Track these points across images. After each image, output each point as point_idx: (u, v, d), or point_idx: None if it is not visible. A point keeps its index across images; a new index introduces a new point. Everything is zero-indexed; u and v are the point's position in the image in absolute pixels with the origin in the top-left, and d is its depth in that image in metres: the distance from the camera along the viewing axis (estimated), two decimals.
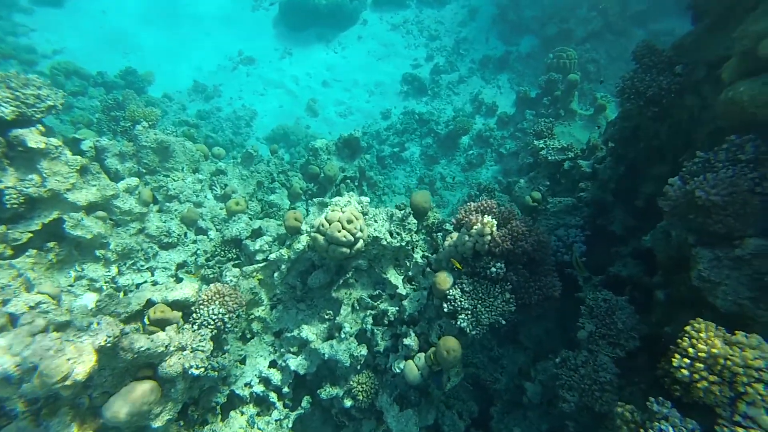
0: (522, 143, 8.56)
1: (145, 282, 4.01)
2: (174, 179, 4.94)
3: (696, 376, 2.08)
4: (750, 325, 3.04)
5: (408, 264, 4.63)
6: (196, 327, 3.13)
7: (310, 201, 6.46)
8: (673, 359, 2.17)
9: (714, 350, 2.07)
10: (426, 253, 4.66)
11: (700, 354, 2.10)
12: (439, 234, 4.77)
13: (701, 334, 2.17)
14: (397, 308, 4.39)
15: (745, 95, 2.98)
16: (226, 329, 3.35)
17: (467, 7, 12.95)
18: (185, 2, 13.03)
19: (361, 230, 4.12)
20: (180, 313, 3.14)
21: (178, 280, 4.39)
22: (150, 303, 3.02)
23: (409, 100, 11.20)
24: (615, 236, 5.30)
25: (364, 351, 4.29)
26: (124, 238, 4.09)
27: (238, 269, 4.17)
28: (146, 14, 12.52)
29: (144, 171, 4.83)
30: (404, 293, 4.42)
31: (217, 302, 3.46)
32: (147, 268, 4.19)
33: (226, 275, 4.06)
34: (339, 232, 3.94)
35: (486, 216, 3.76)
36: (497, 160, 8.98)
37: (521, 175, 7.26)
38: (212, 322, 3.24)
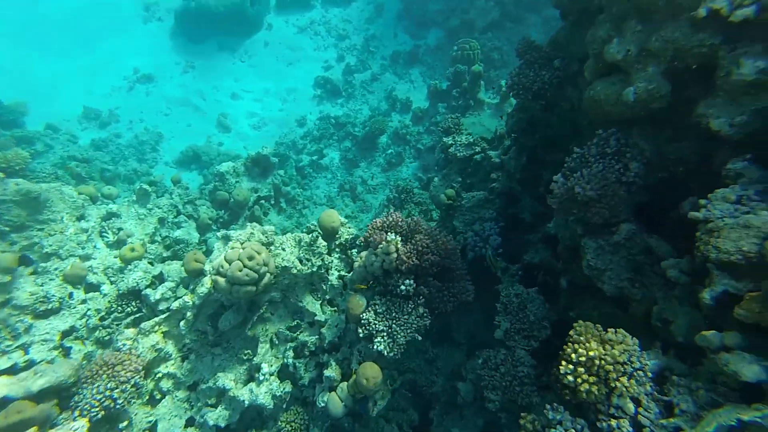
0: (437, 137, 8.67)
1: (15, 365, 3.48)
2: (50, 233, 4.36)
3: (579, 380, 2.14)
4: (630, 303, 3.26)
5: (324, 287, 4.47)
6: (75, 415, 2.74)
7: (222, 230, 6.06)
8: (560, 367, 2.22)
9: (591, 352, 2.14)
10: (342, 272, 4.53)
11: (580, 358, 2.16)
12: (353, 251, 4.65)
13: (581, 338, 2.24)
14: (317, 336, 4.23)
15: (601, 94, 3.13)
16: (117, 406, 2.99)
17: (373, 3, 12.86)
18: (58, 15, 11.65)
19: (266, 264, 3.88)
20: (51, 404, 2.73)
21: (65, 352, 3.89)
22: (5, 401, 2.59)
23: (324, 103, 10.94)
24: (526, 223, 5.51)
25: (288, 387, 4.09)
26: None
27: (132, 329, 3.77)
28: (7, 31, 11.01)
29: (7, 229, 4.20)
30: (323, 319, 4.26)
31: (104, 376, 3.08)
32: (17, 347, 3.65)
33: (117, 340, 3.64)
34: (240, 271, 3.68)
35: (390, 234, 3.69)
36: (416, 156, 9.04)
37: (438, 170, 7.35)
38: (97, 404, 2.86)
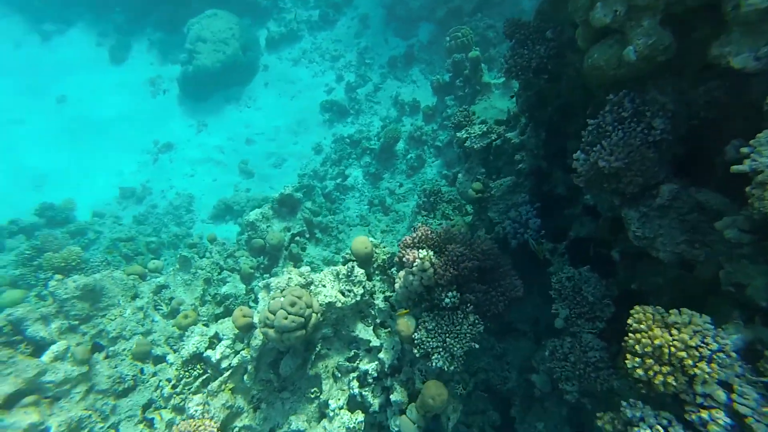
0: (452, 132, 8.53)
1: None
2: (111, 318, 4.66)
3: (650, 372, 1.98)
4: (694, 266, 3.00)
5: (373, 312, 4.47)
6: None
7: (265, 275, 6.23)
8: (626, 362, 2.07)
9: (656, 341, 1.97)
10: (388, 293, 4.51)
11: (646, 349, 2.00)
12: (393, 269, 4.63)
13: (642, 326, 2.07)
14: (376, 362, 4.22)
15: (600, 60, 2.94)
16: None
17: (357, 17, 12.94)
18: (78, 116, 12.57)
19: (309, 306, 3.93)
20: None
21: (149, 424, 4.12)
22: None
23: (335, 125, 11.08)
24: (563, 198, 5.26)
25: (360, 417, 4.10)
26: (68, 411, 3.80)
27: (200, 395, 3.93)
28: (41, 140, 12.02)
29: (77, 322, 4.54)
30: (378, 344, 4.25)
31: None
32: (108, 428, 3.91)
33: (189, 408, 3.81)
34: (285, 319, 3.75)
35: (421, 250, 3.63)
36: (436, 154, 8.93)
37: (461, 163, 7.21)
38: None
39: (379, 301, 4.39)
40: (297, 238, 6.61)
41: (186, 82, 12.24)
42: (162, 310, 4.99)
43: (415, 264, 3.58)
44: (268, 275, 6.24)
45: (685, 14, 2.60)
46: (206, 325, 4.85)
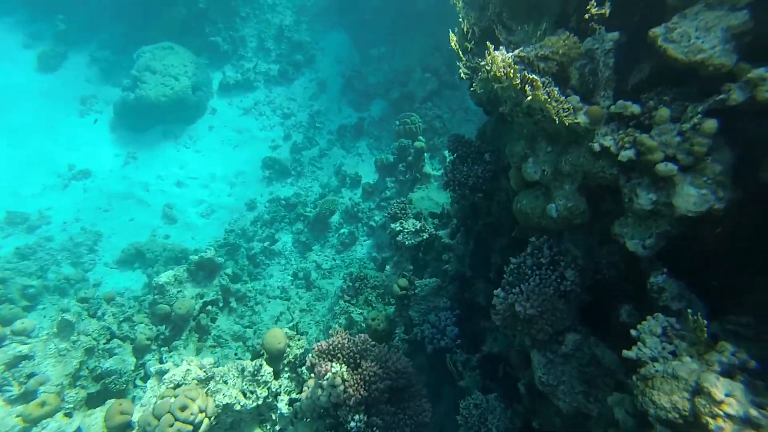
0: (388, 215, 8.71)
1: None
2: None
3: None
4: (587, 420, 3.15)
5: (274, 416, 4.09)
6: None
7: (163, 349, 5.56)
8: None
9: None
10: (294, 395, 4.18)
11: None
12: (303, 368, 4.35)
13: None
14: None
15: (527, 208, 3.20)
16: None
17: (315, 80, 13.33)
18: None
19: (203, 410, 3.50)
20: None
21: None
22: None
23: (274, 184, 10.86)
24: (482, 308, 5.43)
25: None
26: None
27: None
28: None
29: None
30: None
31: None
32: None
33: None
34: (170, 427, 3.28)
35: (334, 363, 3.46)
36: (369, 233, 9.00)
37: (391, 253, 7.28)
38: None
39: (283, 405, 4.05)
40: (209, 307, 6.07)
41: (124, 108, 11.49)
42: (10, 391, 4.15)
43: (326, 378, 3.37)
44: (167, 349, 5.58)
45: (598, 189, 2.94)
46: (69, 415, 4.09)
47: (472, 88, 4.11)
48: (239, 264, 8.48)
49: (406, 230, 5.89)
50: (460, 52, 3.90)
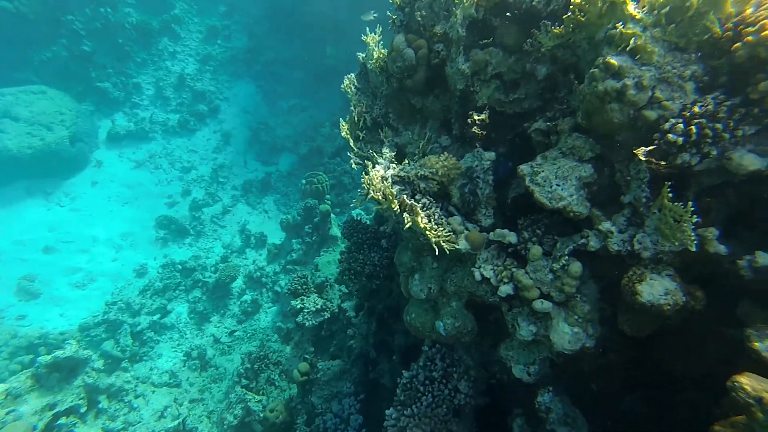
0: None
1: None
2: None
3: None
4: None
5: None
6: None
7: None
8: None
9: None
10: None
11: None
12: None
13: None
14: None
15: (417, 322, 3.14)
16: None
17: (220, 132, 12.74)
18: None
19: None
20: None
21: None
22: None
23: (170, 246, 9.89)
24: (387, 389, 5.26)
25: None
26: None
27: None
28: None
29: None
30: None
31: None
32: None
33: None
34: None
35: None
36: (274, 299, 8.49)
37: (294, 331, 6.86)
38: None
39: None
40: (63, 419, 5.04)
41: None
42: None
43: None
44: None
45: (483, 305, 2.97)
46: None
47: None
48: (120, 345, 7.38)
49: (307, 309, 5.59)
50: (351, 141, 3.89)
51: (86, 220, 9.98)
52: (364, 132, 4.05)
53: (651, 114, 1.85)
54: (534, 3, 2.59)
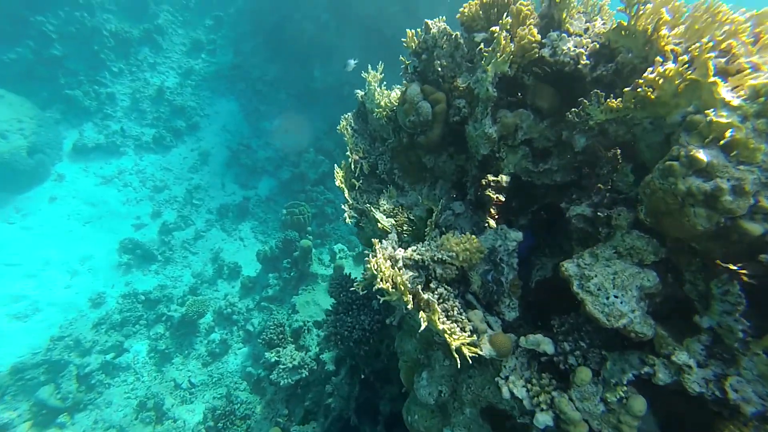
0: (268, 317, 7.67)
1: None
2: None
3: None
4: None
5: None
6: None
7: None
8: None
9: None
10: None
11: None
12: None
13: None
14: None
15: (421, 426, 2.62)
16: None
17: (197, 150, 12.04)
18: None
19: None
20: None
21: None
22: None
23: (133, 272, 9.03)
24: None
25: None
26: None
27: None
28: None
29: None
30: None
31: None
32: None
33: None
34: None
35: None
36: (246, 339, 7.76)
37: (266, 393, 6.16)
38: None
39: None
40: None
41: None
42: None
43: None
44: None
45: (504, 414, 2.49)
46: None
47: (357, 234, 3.62)
48: (61, 392, 6.47)
49: (282, 365, 4.97)
50: (346, 191, 3.42)
51: (38, 240, 9.03)
52: (360, 181, 3.60)
53: (754, 228, 1.47)
54: (579, 66, 2.23)
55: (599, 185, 2.22)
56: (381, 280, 2.10)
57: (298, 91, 13.35)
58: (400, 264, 2.25)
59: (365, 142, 3.76)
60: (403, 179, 3.14)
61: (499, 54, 2.28)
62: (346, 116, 3.60)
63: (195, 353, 7.51)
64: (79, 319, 7.91)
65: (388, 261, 2.21)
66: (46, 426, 5.62)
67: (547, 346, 2.03)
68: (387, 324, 4.08)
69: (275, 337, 5.39)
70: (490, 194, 2.66)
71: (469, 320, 2.20)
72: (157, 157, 11.63)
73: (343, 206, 3.40)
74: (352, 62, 4.89)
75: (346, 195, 3.43)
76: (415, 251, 2.34)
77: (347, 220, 3.38)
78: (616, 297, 1.77)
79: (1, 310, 7.77)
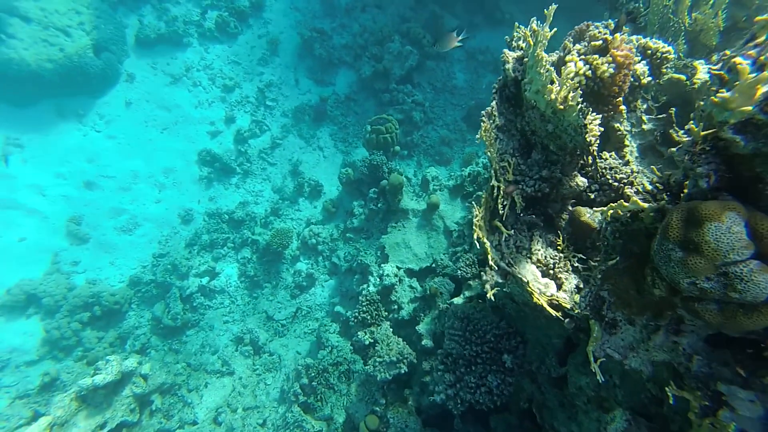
0: (354, 249, 7.15)
1: None
2: None
3: None
4: None
5: None
6: None
7: None
8: None
9: None
10: None
11: None
12: None
13: None
14: None
15: None
16: None
17: (265, 37, 10.40)
18: None
19: None
20: None
21: None
22: None
23: (215, 186, 8.78)
24: None
25: None
26: None
27: None
28: None
29: None
30: None
31: None
32: None
33: None
34: None
35: None
36: (332, 270, 7.46)
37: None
38: None
39: None
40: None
41: None
42: None
43: None
44: None
45: None
46: None
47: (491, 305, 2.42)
48: (170, 313, 6.87)
49: (379, 360, 4.42)
50: (488, 244, 2.15)
51: (123, 150, 8.87)
52: (509, 221, 2.28)
53: None
54: None
55: None
56: None
57: None
58: None
59: (512, 143, 2.28)
60: (615, 308, 1.77)
61: None
62: (487, 116, 2.07)
63: (282, 283, 7.44)
64: (173, 236, 8.07)
65: None
66: (167, 337, 6.04)
67: None
68: (519, 384, 3.13)
69: (370, 317, 4.80)
70: None
71: None
72: (223, 48, 10.30)
73: (481, 271, 2.17)
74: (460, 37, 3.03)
75: (488, 250, 2.15)
76: None
77: (488, 294, 2.17)
78: None
79: (108, 224, 8.09)
